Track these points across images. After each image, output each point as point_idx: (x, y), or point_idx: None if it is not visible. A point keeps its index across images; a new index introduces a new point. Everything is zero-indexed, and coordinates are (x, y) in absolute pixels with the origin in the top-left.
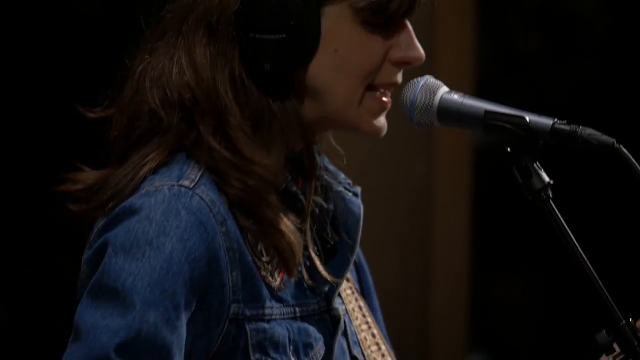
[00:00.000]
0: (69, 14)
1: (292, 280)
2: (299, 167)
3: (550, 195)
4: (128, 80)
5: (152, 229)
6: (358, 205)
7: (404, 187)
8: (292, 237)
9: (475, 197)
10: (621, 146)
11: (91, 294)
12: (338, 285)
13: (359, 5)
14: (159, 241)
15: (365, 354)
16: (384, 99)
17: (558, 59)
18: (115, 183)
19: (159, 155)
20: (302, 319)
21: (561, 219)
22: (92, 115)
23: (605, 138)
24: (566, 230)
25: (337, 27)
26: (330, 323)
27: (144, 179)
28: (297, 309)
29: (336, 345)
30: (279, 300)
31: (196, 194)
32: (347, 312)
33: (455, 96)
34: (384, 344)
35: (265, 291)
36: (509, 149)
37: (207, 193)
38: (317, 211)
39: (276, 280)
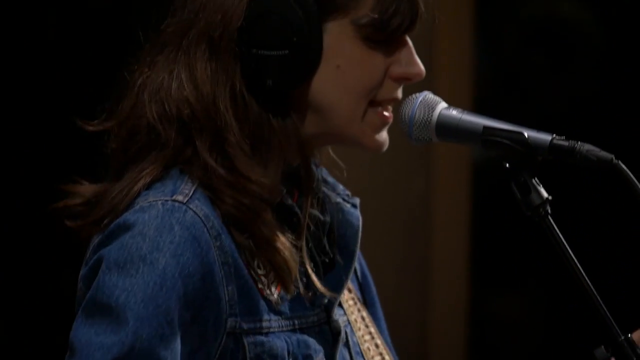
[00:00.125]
0: (68, 25)
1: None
2: (294, 179)
3: (549, 211)
4: (127, 94)
5: (145, 245)
6: (357, 216)
7: (403, 203)
8: (287, 253)
9: (474, 212)
10: (620, 162)
11: (85, 310)
12: (337, 297)
13: (360, 22)
14: (153, 257)
15: None
16: (386, 114)
17: (556, 75)
18: (110, 198)
19: (153, 170)
20: (302, 331)
21: (560, 234)
22: (90, 128)
23: (603, 154)
24: (565, 245)
25: (339, 43)
26: (330, 335)
27: (138, 194)
28: (295, 321)
29: (338, 357)
30: (277, 313)
31: (190, 208)
32: (349, 323)
33: (454, 112)
34: (388, 354)
35: (262, 304)
36: (507, 165)
37: (200, 208)
38: (312, 226)
39: (274, 294)
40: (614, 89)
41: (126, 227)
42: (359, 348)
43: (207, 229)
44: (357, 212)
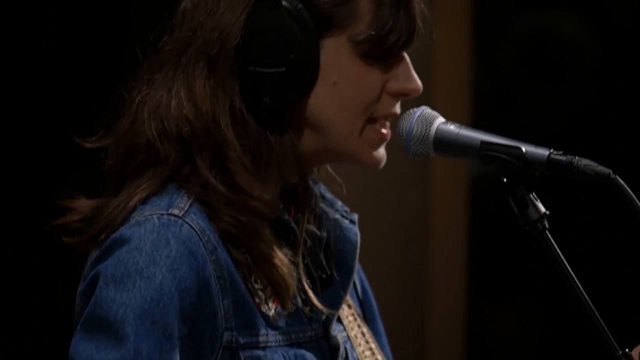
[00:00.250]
0: (67, 43)
1: None
2: (291, 195)
3: (547, 225)
4: (125, 112)
5: (142, 259)
6: (355, 232)
7: (400, 218)
8: (285, 270)
9: (472, 227)
10: (617, 177)
11: (84, 326)
12: (335, 313)
13: (357, 39)
14: (149, 271)
15: None
16: (384, 130)
17: (554, 90)
18: (107, 214)
19: (150, 185)
20: (299, 345)
21: (557, 249)
22: (88, 145)
23: (601, 169)
24: (562, 260)
25: (336, 59)
26: (328, 350)
27: (134, 209)
28: (293, 336)
29: None
30: (274, 327)
31: (186, 222)
32: (349, 338)
33: (452, 127)
34: None
35: (259, 319)
36: (505, 180)
37: (196, 221)
38: (309, 241)
39: (271, 309)
40: (611, 104)
41: (122, 242)
42: None
43: (203, 243)
44: (356, 229)
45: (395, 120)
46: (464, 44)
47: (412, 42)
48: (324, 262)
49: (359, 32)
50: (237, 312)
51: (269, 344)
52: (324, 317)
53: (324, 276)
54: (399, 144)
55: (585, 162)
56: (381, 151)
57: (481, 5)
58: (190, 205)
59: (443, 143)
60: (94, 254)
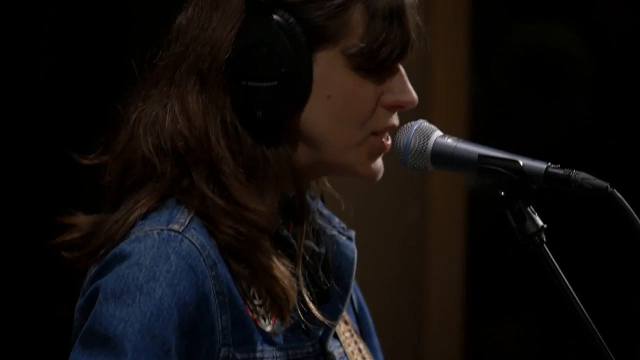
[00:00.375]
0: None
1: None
2: (290, 211)
3: (544, 239)
4: (122, 128)
5: (142, 275)
6: (352, 249)
7: (398, 231)
8: (286, 282)
9: (469, 241)
10: (615, 190)
11: (83, 341)
12: (332, 328)
13: (350, 52)
14: (149, 287)
15: None
16: (384, 140)
17: (552, 103)
18: (107, 229)
19: (149, 200)
20: None
21: (555, 262)
22: (86, 162)
23: (598, 182)
24: (560, 274)
25: (329, 73)
26: None
27: (134, 224)
28: (290, 352)
29: None
30: (272, 343)
31: (186, 237)
32: (346, 355)
33: (449, 140)
34: None
35: (257, 334)
36: (502, 193)
37: (197, 237)
38: (307, 256)
39: (269, 324)
40: (608, 116)
41: (122, 257)
42: None
43: (203, 258)
44: (353, 245)
45: (394, 131)
46: (461, 56)
47: (406, 54)
48: (322, 278)
49: (352, 45)
50: (235, 328)
51: None
52: (320, 332)
53: (325, 287)
54: (397, 158)
55: (582, 175)
56: (378, 163)
57: (478, 18)
58: (190, 221)
59: (441, 156)
60: (93, 269)
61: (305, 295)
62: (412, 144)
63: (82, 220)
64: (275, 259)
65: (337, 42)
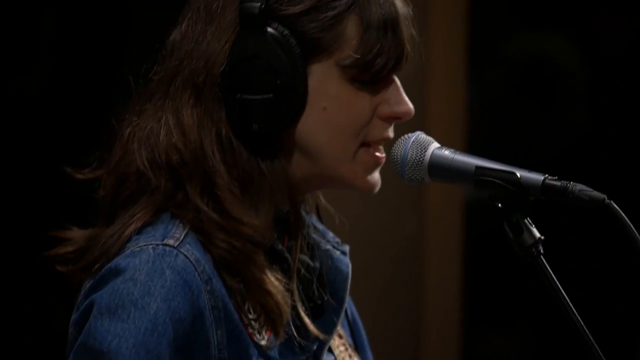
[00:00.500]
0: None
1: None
2: (285, 225)
3: (542, 250)
4: (116, 142)
5: (137, 290)
6: (346, 263)
7: (395, 243)
8: (280, 297)
9: (466, 252)
10: (612, 202)
11: (77, 355)
12: (327, 342)
13: (345, 63)
14: (144, 302)
15: None
16: (378, 154)
17: (550, 114)
18: (101, 243)
19: (144, 215)
20: None
21: (552, 274)
22: (80, 176)
23: (595, 194)
24: (557, 285)
25: (324, 85)
26: None
27: (129, 239)
28: None
29: None
30: (267, 357)
31: (181, 252)
32: None
33: (446, 152)
34: None
35: (252, 349)
36: (500, 205)
37: (192, 252)
38: (302, 270)
39: (264, 338)
40: (605, 127)
41: (117, 272)
42: None
43: (198, 273)
44: (347, 260)
45: (388, 144)
46: (459, 68)
47: (401, 65)
48: (317, 292)
49: (346, 56)
50: (231, 343)
51: None
52: (315, 347)
53: (319, 302)
54: (394, 169)
55: (579, 187)
56: (375, 176)
57: (475, 29)
58: (185, 235)
59: (438, 168)
60: (88, 283)
61: (299, 310)
62: (409, 156)
63: (77, 234)
64: (269, 274)
65: (332, 53)
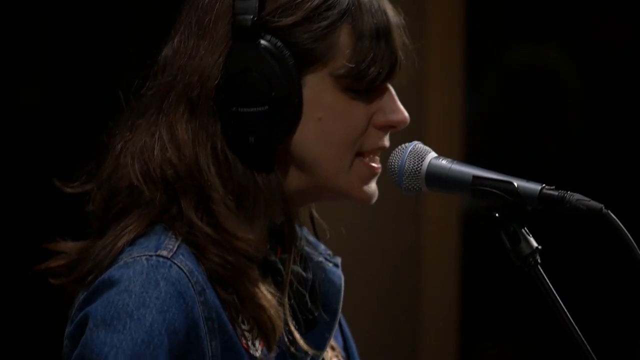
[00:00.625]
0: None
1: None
2: (278, 237)
3: (539, 260)
4: (108, 157)
5: (132, 301)
6: (339, 275)
7: (393, 253)
8: (273, 311)
9: (464, 262)
10: (609, 211)
11: None
12: (320, 355)
13: (338, 73)
14: (139, 313)
15: None
16: (374, 164)
17: (545, 123)
18: (94, 256)
19: (137, 227)
20: None
21: (550, 284)
22: (69, 190)
23: (593, 203)
24: (555, 295)
25: (319, 95)
26: None
27: (122, 250)
28: None
29: None
30: None
31: (174, 263)
32: None
33: (444, 162)
34: None
35: None
36: (497, 215)
37: (185, 263)
38: (295, 283)
39: (257, 350)
40: (603, 137)
41: (111, 284)
42: None
43: (192, 284)
44: (339, 272)
45: (384, 153)
46: (456, 77)
47: (394, 73)
48: (310, 304)
49: (340, 66)
50: (225, 354)
51: None
52: (308, 358)
53: (310, 317)
54: (391, 179)
55: (577, 197)
56: (372, 186)
57: (473, 38)
58: (178, 247)
59: (435, 178)
60: (81, 296)
61: (291, 325)
62: (406, 166)
63: (69, 246)
64: (262, 288)
65: (326, 64)
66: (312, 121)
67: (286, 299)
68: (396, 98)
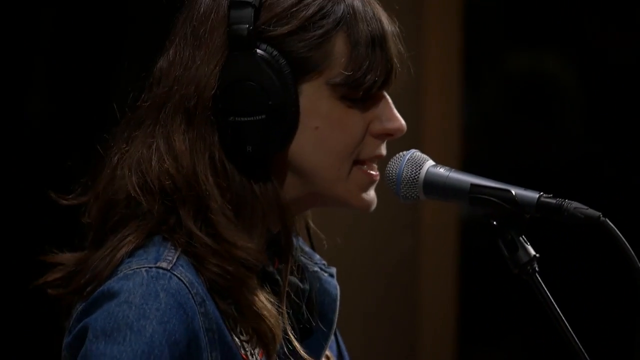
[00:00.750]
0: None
1: None
2: (275, 247)
3: (537, 268)
4: (104, 169)
5: (132, 313)
6: (334, 285)
7: (390, 261)
8: (273, 321)
9: (461, 270)
10: (607, 220)
11: None
12: None
13: (334, 81)
14: (140, 325)
15: None
16: (372, 172)
17: (544, 130)
18: (93, 267)
19: (136, 238)
20: None
21: (547, 292)
22: (65, 202)
23: (591, 212)
24: (552, 303)
25: (316, 104)
26: None
27: (121, 262)
28: None
29: None
30: None
31: (174, 275)
32: None
33: (441, 170)
34: None
35: None
36: (495, 223)
37: (185, 274)
38: (292, 294)
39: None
40: (601, 144)
41: (111, 295)
42: None
43: (192, 296)
44: (335, 281)
45: (383, 163)
46: (453, 85)
47: (390, 81)
48: (306, 315)
49: (336, 74)
50: None
51: None
52: None
53: (307, 326)
54: (389, 187)
55: (575, 205)
56: (371, 193)
57: (471, 46)
58: (178, 258)
59: (433, 186)
60: (79, 307)
61: (290, 334)
62: (404, 174)
63: (66, 257)
64: (261, 298)
65: (322, 72)
66: (309, 130)
67: (285, 308)
68: (392, 106)
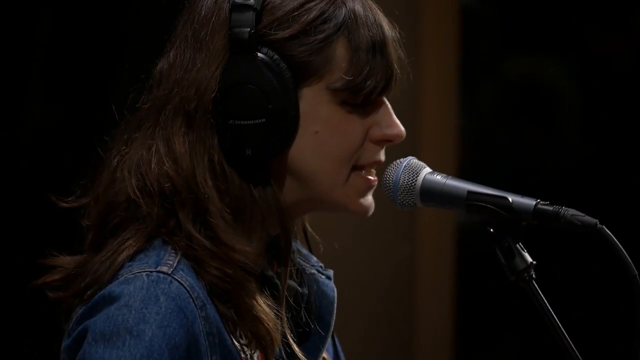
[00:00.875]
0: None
1: None
2: (274, 250)
3: (534, 275)
4: (104, 171)
5: (131, 317)
6: (332, 288)
7: (387, 268)
8: (271, 324)
9: (459, 277)
10: (604, 227)
11: None
12: None
13: (335, 86)
14: (139, 329)
15: None
16: (370, 177)
17: (541, 137)
18: (93, 270)
19: (136, 241)
20: None
21: (544, 299)
22: (64, 205)
23: (588, 219)
24: (549, 310)
25: (316, 108)
26: None
27: (122, 265)
28: None
29: None
30: None
31: (175, 279)
32: None
33: (438, 177)
34: None
35: None
36: (492, 230)
37: (185, 278)
38: (291, 298)
39: None
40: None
41: (111, 299)
42: None
43: (193, 299)
44: (332, 284)
45: (380, 170)
46: (451, 92)
47: (390, 87)
48: (305, 318)
49: (336, 79)
50: None
51: None
52: None
53: (307, 330)
54: (386, 195)
55: (572, 212)
56: (369, 199)
57: (468, 52)
58: (178, 262)
59: (430, 193)
60: (79, 310)
61: (289, 337)
62: (401, 181)
63: (65, 260)
64: (260, 301)
65: (322, 77)
66: (309, 134)
67: (284, 312)
68: (392, 112)
